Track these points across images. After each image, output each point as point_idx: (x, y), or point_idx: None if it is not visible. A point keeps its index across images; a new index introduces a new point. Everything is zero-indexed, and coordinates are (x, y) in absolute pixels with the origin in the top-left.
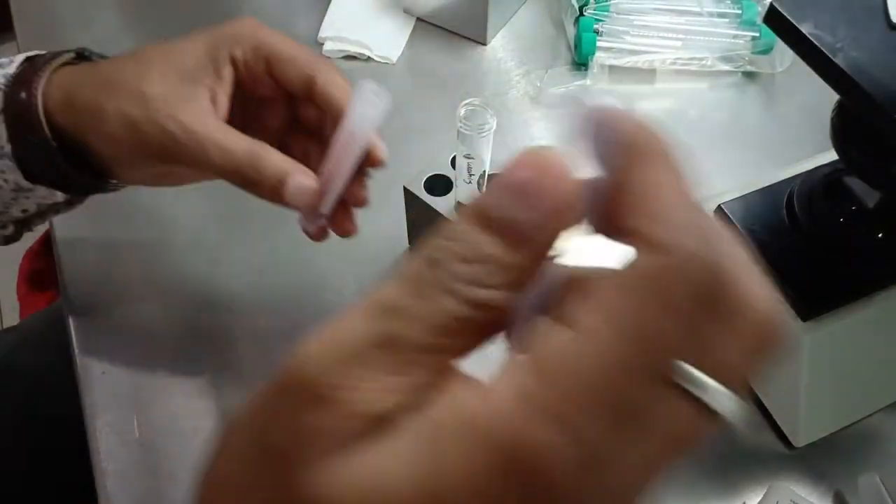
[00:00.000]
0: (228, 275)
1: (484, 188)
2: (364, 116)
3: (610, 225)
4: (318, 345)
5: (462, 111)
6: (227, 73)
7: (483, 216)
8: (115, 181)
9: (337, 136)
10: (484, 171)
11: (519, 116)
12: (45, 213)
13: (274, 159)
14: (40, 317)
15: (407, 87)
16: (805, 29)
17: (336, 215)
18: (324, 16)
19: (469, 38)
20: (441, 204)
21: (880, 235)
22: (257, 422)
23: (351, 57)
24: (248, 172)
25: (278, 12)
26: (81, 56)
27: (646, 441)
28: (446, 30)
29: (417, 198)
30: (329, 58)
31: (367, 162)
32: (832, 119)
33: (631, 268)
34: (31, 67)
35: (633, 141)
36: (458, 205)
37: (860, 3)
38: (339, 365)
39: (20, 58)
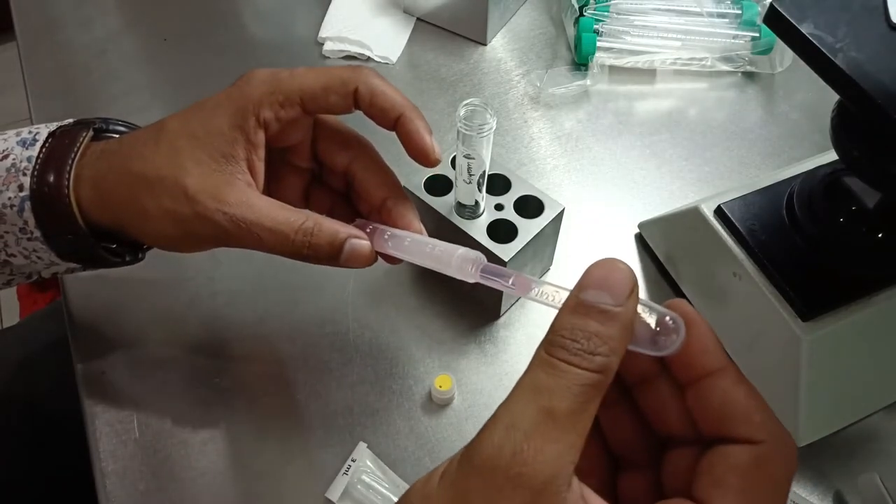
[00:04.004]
0: (228, 274)
1: (484, 188)
2: (450, 265)
3: (704, 431)
4: (499, 430)
5: (462, 111)
6: (259, 138)
7: (580, 305)
8: (147, 248)
9: (425, 241)
10: (484, 171)
11: (519, 116)
12: (69, 270)
13: (326, 230)
14: (40, 316)
15: (407, 87)
16: (805, 29)
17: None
18: (324, 16)
19: (469, 38)
20: (441, 204)
21: (880, 235)
22: (457, 497)
23: (351, 57)
24: (301, 250)
25: (278, 12)
26: (98, 130)
27: None
28: (446, 30)
29: (417, 198)
30: (328, 58)
31: (417, 159)
32: (832, 119)
33: (745, 460)
34: (55, 152)
35: (713, 362)
36: (459, 205)
37: (860, 3)
38: (520, 444)
39: (43, 134)
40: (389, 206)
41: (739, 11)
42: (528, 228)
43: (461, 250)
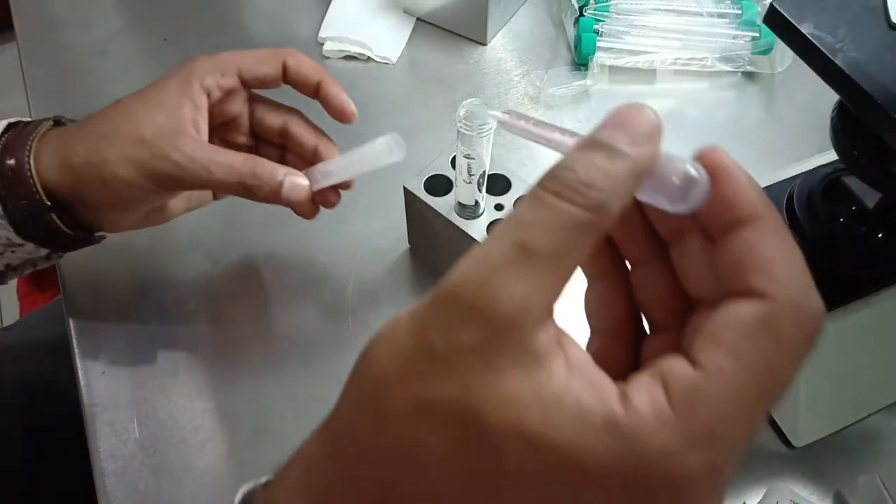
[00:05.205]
0: (228, 275)
1: (484, 188)
2: (377, 156)
3: (721, 282)
4: (468, 263)
5: (462, 111)
6: (203, 102)
7: (590, 141)
8: (99, 234)
9: (348, 154)
10: (484, 171)
11: None
12: (23, 266)
13: (268, 166)
14: (40, 315)
15: (407, 87)
16: (805, 29)
17: (321, 192)
18: (324, 16)
19: (469, 38)
20: (441, 204)
21: (880, 235)
22: (417, 325)
23: (351, 57)
24: (248, 181)
25: (278, 12)
26: (58, 122)
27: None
28: (446, 30)
29: (417, 198)
30: (328, 58)
31: (337, 117)
32: (832, 119)
33: (748, 316)
34: (15, 137)
35: (744, 211)
36: (459, 205)
37: (860, 3)
38: (486, 277)
39: (2, 125)
40: (321, 150)
41: (739, 11)
42: None
43: (380, 138)
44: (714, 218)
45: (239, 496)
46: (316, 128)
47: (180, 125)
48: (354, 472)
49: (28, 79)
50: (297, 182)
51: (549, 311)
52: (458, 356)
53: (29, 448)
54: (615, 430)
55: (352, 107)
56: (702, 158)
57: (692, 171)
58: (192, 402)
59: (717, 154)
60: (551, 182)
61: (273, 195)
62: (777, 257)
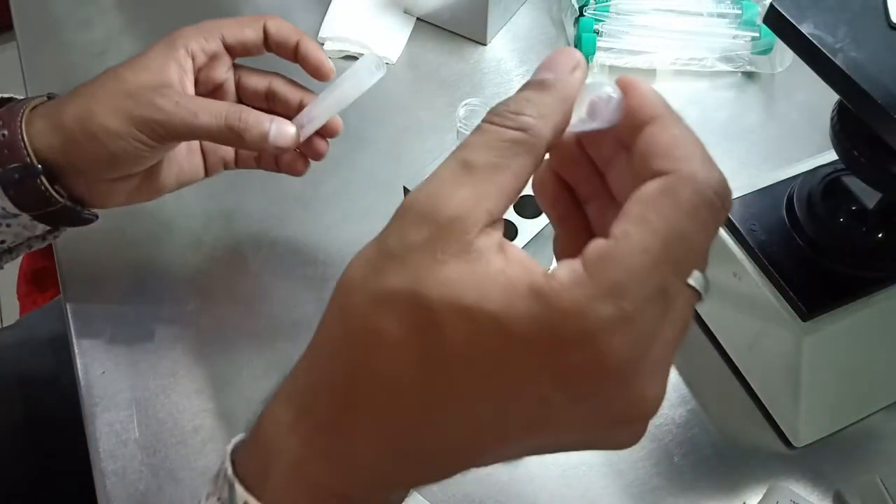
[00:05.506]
0: (228, 275)
1: None
2: (360, 81)
3: (636, 172)
4: (422, 183)
5: (462, 111)
6: (188, 65)
7: (526, 83)
8: (90, 209)
9: (331, 88)
10: None
11: None
12: (19, 247)
13: (254, 113)
14: (39, 315)
15: (407, 87)
16: (805, 29)
17: (307, 143)
18: (324, 16)
19: (469, 38)
20: None
21: (880, 235)
22: (378, 238)
23: (351, 57)
24: (235, 125)
25: (278, 12)
26: (50, 98)
27: (672, 323)
28: (446, 30)
29: None
30: (329, 58)
31: (314, 73)
32: (832, 119)
33: (652, 190)
34: (8, 111)
35: (646, 113)
36: None
37: (860, 3)
38: (434, 188)
39: None
40: (306, 102)
41: (739, 11)
42: (528, 228)
43: (360, 61)
44: (628, 128)
45: (233, 443)
46: (300, 85)
47: (166, 80)
48: (327, 371)
49: (28, 79)
50: (283, 128)
51: (491, 219)
52: (409, 252)
53: (29, 448)
54: (537, 296)
55: (329, 63)
56: (617, 81)
57: (609, 90)
58: (192, 402)
59: (629, 78)
60: (491, 115)
61: (260, 141)
62: (674, 141)
